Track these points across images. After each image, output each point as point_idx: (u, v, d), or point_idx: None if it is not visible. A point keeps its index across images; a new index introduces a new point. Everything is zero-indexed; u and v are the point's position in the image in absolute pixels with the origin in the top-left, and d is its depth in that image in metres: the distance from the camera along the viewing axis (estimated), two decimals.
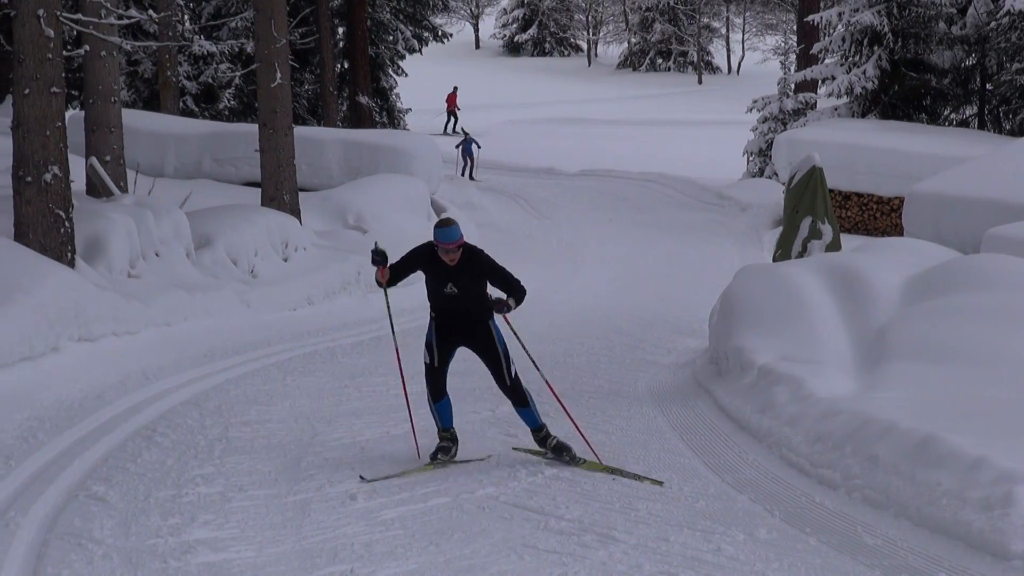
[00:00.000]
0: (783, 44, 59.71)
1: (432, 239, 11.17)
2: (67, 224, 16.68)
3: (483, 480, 10.68)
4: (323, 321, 20.58)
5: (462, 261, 11.12)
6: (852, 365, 13.39)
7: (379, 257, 11.27)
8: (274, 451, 11.58)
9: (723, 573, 8.48)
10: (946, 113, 40.75)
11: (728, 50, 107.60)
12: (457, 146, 45.46)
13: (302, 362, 16.69)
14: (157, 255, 19.30)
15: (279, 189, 24.31)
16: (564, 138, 58.61)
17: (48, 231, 16.50)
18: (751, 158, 46.94)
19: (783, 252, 21.61)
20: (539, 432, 11.47)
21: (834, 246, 21.29)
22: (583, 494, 10.34)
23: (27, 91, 16.23)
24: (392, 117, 51.14)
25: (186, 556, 8.54)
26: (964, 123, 40.38)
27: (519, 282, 11.26)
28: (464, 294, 11.16)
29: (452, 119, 62.24)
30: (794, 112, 46.31)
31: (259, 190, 25.14)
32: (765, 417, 12.46)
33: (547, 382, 12.00)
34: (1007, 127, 39.41)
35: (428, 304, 11.34)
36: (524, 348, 11.88)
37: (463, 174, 44.29)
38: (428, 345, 11.31)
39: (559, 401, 12.08)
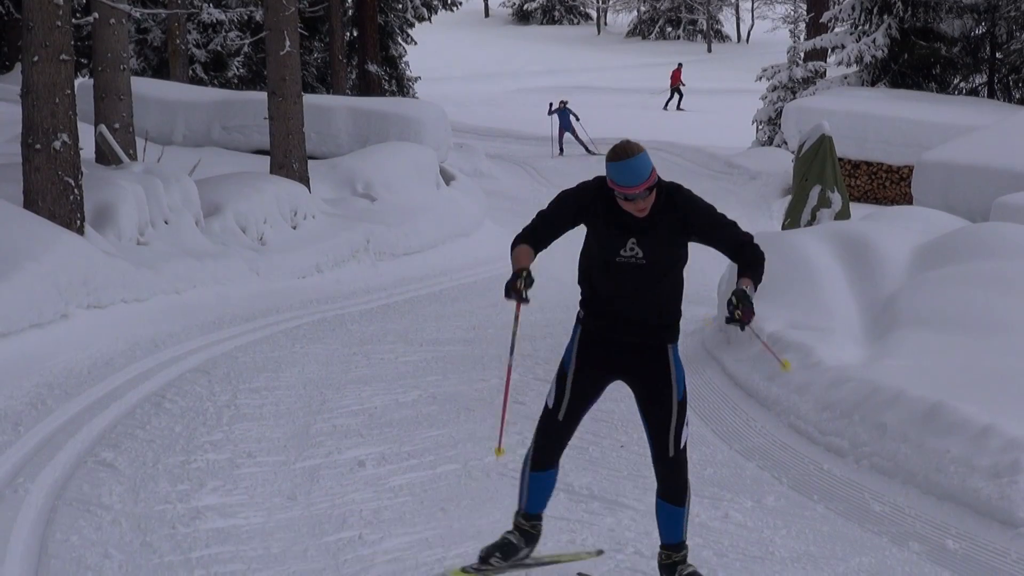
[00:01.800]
0: (792, 12, 59.61)
1: (604, 176, 7.15)
2: (76, 191, 16.67)
3: (492, 447, 10.65)
4: (332, 289, 20.58)
5: (659, 209, 7.09)
6: (861, 333, 13.40)
7: (522, 285, 6.99)
8: (283, 418, 11.59)
9: (731, 540, 8.50)
10: (956, 82, 40.62)
11: (738, 18, 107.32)
12: (550, 113, 44.40)
13: (311, 329, 16.70)
14: (166, 223, 19.29)
15: (288, 157, 24.27)
16: (573, 107, 58.58)
17: (57, 198, 16.49)
18: (760, 127, 46.89)
19: (792, 220, 21.57)
20: (678, 552, 7.48)
21: (843, 215, 21.25)
22: (591, 461, 10.35)
23: (36, 58, 16.20)
24: (401, 85, 51.04)
25: (195, 522, 8.56)
26: (974, 92, 40.27)
27: (758, 246, 7.19)
28: (652, 268, 7.08)
29: (678, 96, 62.12)
30: (803, 81, 46.23)
31: (268, 158, 25.10)
32: (773, 385, 12.46)
33: None
34: (1017, 96, 39.33)
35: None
36: None
37: (561, 151, 43.36)
38: (561, 371, 7.35)
39: None
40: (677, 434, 7.23)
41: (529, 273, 7.01)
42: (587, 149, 42.80)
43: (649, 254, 7.03)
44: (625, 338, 7.19)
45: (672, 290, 7.19)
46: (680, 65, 63.38)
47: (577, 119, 43.67)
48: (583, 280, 7.33)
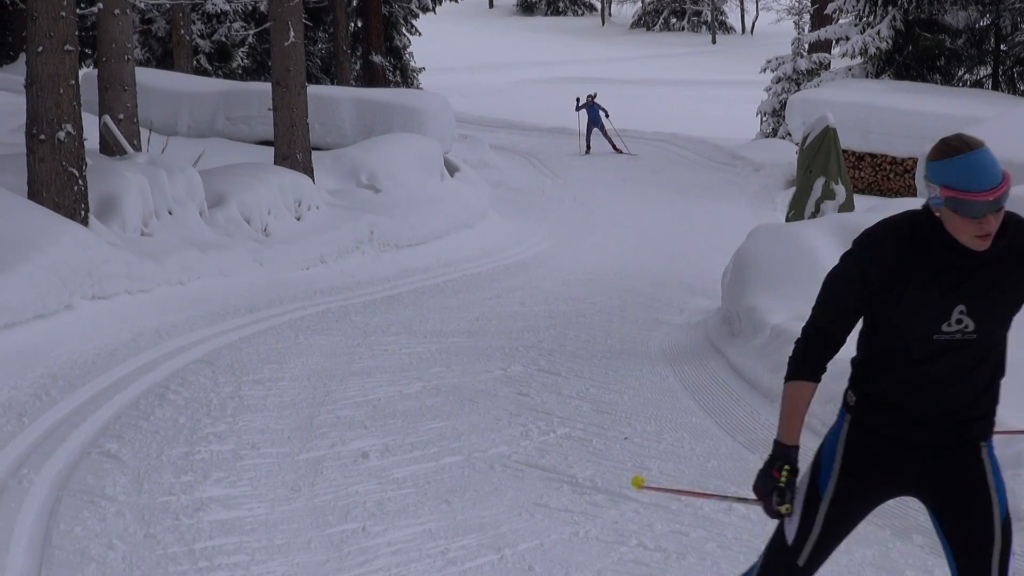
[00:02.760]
0: (797, 4, 59.54)
1: (936, 193, 4.69)
2: (81, 182, 16.68)
3: (495, 439, 10.68)
4: (336, 280, 20.58)
5: (1001, 247, 4.78)
6: None
7: (784, 481, 5.02)
8: (286, 409, 11.59)
9: (735, 532, 8.49)
10: (960, 74, 40.58)
11: (742, 10, 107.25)
12: (578, 109, 42.66)
13: (315, 320, 16.70)
14: (170, 213, 19.30)
15: (292, 148, 24.28)
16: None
17: (62, 189, 16.50)
18: (764, 118, 46.92)
19: (796, 212, 21.59)
20: None
21: (847, 207, 21.27)
22: (595, 453, 10.34)
23: (40, 49, 16.20)
24: (405, 76, 51.04)
25: (198, 513, 8.56)
26: (978, 84, 40.23)
27: None
28: (982, 344, 4.83)
29: None
30: (808, 72, 46.25)
31: (272, 149, 25.12)
32: (777, 377, 12.40)
33: None
34: (1021, 88, 39.29)
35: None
36: None
37: (588, 149, 41.52)
38: (813, 492, 5.10)
39: None
40: (1003, 563, 4.84)
41: (794, 461, 5.04)
42: (614, 147, 41.64)
43: (982, 324, 4.76)
44: (924, 439, 4.92)
45: (996, 366, 4.98)
46: None
47: (607, 115, 42.08)
48: (868, 364, 5.06)
